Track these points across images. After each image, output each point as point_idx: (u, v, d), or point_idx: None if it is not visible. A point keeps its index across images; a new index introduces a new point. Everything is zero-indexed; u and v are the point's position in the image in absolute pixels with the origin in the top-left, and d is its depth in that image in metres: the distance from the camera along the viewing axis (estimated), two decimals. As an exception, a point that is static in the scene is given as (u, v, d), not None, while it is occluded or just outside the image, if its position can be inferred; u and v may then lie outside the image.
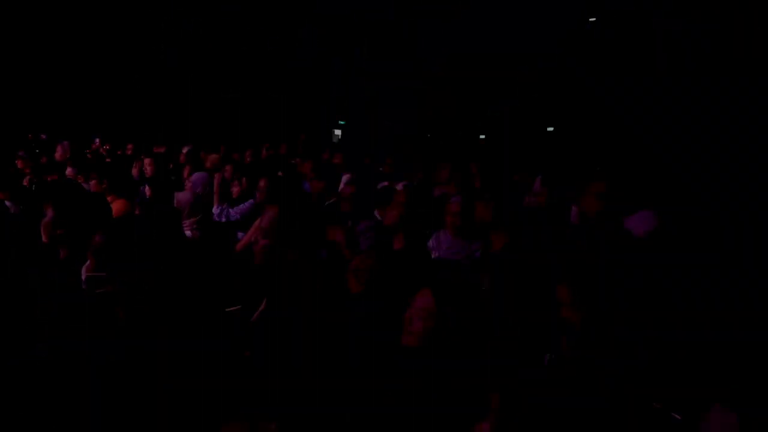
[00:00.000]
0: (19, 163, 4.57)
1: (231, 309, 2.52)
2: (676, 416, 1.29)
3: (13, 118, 8.39)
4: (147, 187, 3.54)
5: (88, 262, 1.34)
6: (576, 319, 1.58)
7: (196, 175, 4.16)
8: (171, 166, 4.74)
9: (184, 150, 6.10)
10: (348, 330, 1.97)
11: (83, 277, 1.33)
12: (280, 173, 4.12)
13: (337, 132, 17.76)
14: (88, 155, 5.51)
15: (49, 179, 3.72)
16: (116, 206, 3.04)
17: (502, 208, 2.14)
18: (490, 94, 18.61)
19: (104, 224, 1.35)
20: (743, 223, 3.35)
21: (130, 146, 6.25)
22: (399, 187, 3.19)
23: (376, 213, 2.92)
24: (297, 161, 5.29)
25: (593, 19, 15.79)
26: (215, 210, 3.53)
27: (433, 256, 2.55)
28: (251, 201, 3.54)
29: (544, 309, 1.87)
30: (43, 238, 1.92)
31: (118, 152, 6.21)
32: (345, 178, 3.84)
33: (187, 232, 2.88)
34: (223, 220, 3.52)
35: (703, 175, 4.24)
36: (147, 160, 4.33)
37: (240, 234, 3.54)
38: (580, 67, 15.99)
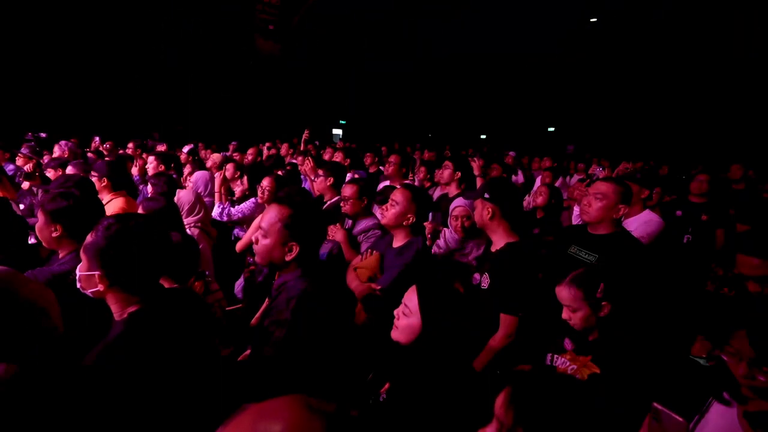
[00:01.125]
0: (19, 161, 4.57)
1: (231, 308, 2.53)
2: (678, 417, 1.29)
3: (14, 118, 8.39)
4: (149, 186, 3.53)
5: (82, 261, 1.31)
6: (576, 320, 1.58)
7: (197, 174, 4.17)
8: (172, 165, 4.73)
9: (185, 149, 6.10)
10: (348, 329, 1.96)
11: (77, 277, 1.31)
12: (280, 172, 4.11)
13: (337, 132, 17.75)
14: (89, 154, 5.49)
15: (52, 176, 3.72)
16: (117, 204, 3.05)
17: (504, 208, 2.11)
18: (490, 94, 18.63)
19: (97, 223, 1.30)
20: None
21: (130, 145, 6.24)
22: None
23: (377, 212, 2.93)
24: (298, 160, 5.29)
25: (594, 19, 15.77)
26: (216, 209, 3.53)
27: (440, 256, 2.55)
28: (253, 200, 3.54)
29: (544, 309, 1.87)
30: (44, 243, 1.92)
31: (120, 151, 6.21)
32: (348, 177, 3.83)
33: (188, 231, 2.88)
34: (225, 219, 3.51)
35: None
36: (149, 159, 4.33)
37: (240, 233, 3.56)
38: (580, 67, 16.00)
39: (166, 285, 1.98)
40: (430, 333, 1.30)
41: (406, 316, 1.35)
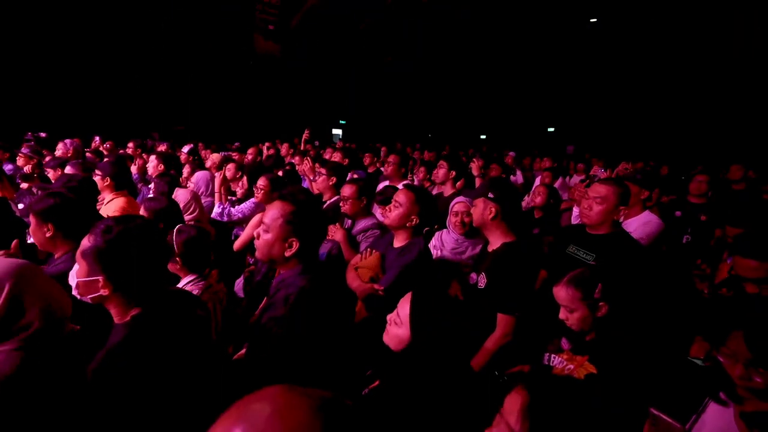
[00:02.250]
0: (20, 161, 4.58)
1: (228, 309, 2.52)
2: (675, 422, 1.29)
3: (14, 118, 8.40)
4: (152, 185, 3.54)
5: (77, 267, 1.25)
6: (573, 320, 1.58)
7: (198, 174, 4.17)
8: (172, 164, 4.73)
9: (185, 149, 6.10)
10: (347, 327, 1.96)
11: (73, 284, 1.25)
12: (280, 172, 4.12)
13: (337, 132, 17.77)
14: (87, 154, 5.50)
15: (52, 176, 3.73)
16: (118, 203, 3.06)
17: (505, 208, 2.10)
18: (490, 94, 18.63)
19: (93, 225, 1.28)
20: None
21: (130, 144, 6.24)
22: (400, 186, 3.18)
23: (378, 212, 2.93)
24: (296, 160, 5.29)
25: (594, 20, 15.78)
26: (216, 209, 3.53)
27: (435, 256, 2.55)
28: (252, 200, 3.54)
29: (541, 309, 1.87)
30: (39, 246, 1.92)
31: (120, 151, 6.21)
32: (349, 176, 3.83)
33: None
34: (225, 219, 3.52)
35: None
36: (150, 159, 4.33)
37: (239, 232, 3.56)
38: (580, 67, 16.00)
39: (183, 275, 2.00)
40: (418, 346, 1.28)
41: (397, 326, 1.32)
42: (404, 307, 1.32)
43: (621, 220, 2.26)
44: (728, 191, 4.54)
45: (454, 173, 3.60)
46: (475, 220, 2.13)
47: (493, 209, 2.05)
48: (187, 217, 3.01)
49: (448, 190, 3.62)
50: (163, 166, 3.96)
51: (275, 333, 1.43)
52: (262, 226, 1.56)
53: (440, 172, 3.64)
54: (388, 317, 1.37)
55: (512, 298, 1.97)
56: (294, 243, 1.52)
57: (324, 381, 1.39)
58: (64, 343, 1.17)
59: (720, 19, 12.75)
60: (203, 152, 7.05)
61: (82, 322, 1.33)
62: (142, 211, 2.46)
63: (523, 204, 3.91)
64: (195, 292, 1.95)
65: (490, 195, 2.07)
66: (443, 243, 2.61)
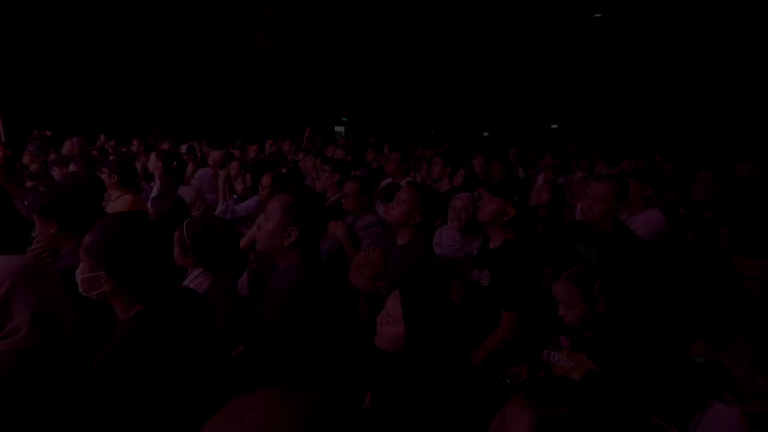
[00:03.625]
0: (26, 159, 4.60)
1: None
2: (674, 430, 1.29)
3: (19, 116, 8.45)
4: (158, 182, 3.56)
5: (81, 265, 1.25)
6: (572, 317, 1.58)
7: (201, 171, 4.19)
8: (174, 163, 4.75)
9: (183, 148, 6.13)
10: (344, 323, 1.97)
11: (78, 281, 1.25)
12: (283, 170, 4.12)
13: (339, 129, 17.76)
14: (94, 152, 5.53)
15: (57, 174, 3.75)
16: (125, 200, 3.08)
17: (520, 211, 2.09)
18: (492, 91, 18.55)
19: (94, 222, 1.28)
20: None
21: (135, 142, 6.28)
22: (402, 183, 3.18)
23: (381, 209, 2.93)
24: (299, 157, 5.29)
25: (599, 15, 15.66)
26: (221, 206, 3.55)
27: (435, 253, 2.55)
28: (256, 197, 3.55)
29: (541, 307, 1.87)
30: (45, 245, 1.94)
31: (123, 149, 6.25)
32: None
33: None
34: (228, 217, 3.53)
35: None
36: (150, 156, 4.34)
37: (243, 229, 3.57)
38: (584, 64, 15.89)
39: (192, 269, 2.01)
40: (416, 341, 1.21)
41: (390, 325, 1.25)
42: (395, 304, 1.25)
43: (624, 216, 2.24)
44: (733, 188, 4.50)
45: (449, 169, 3.62)
46: (485, 216, 2.08)
47: (513, 212, 2.04)
48: (193, 215, 3.03)
49: (444, 187, 3.64)
50: (161, 164, 3.97)
51: (275, 321, 1.45)
52: (263, 217, 1.59)
53: (436, 169, 3.67)
54: (378, 319, 1.29)
55: (517, 295, 1.97)
56: (293, 232, 1.55)
57: (318, 373, 1.40)
58: (67, 345, 1.17)
59: (725, 14, 12.61)
60: (204, 149, 7.07)
61: (89, 321, 1.34)
62: (150, 210, 2.48)
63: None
64: (205, 284, 1.97)
65: (515, 198, 2.04)
66: (442, 240, 2.61)
